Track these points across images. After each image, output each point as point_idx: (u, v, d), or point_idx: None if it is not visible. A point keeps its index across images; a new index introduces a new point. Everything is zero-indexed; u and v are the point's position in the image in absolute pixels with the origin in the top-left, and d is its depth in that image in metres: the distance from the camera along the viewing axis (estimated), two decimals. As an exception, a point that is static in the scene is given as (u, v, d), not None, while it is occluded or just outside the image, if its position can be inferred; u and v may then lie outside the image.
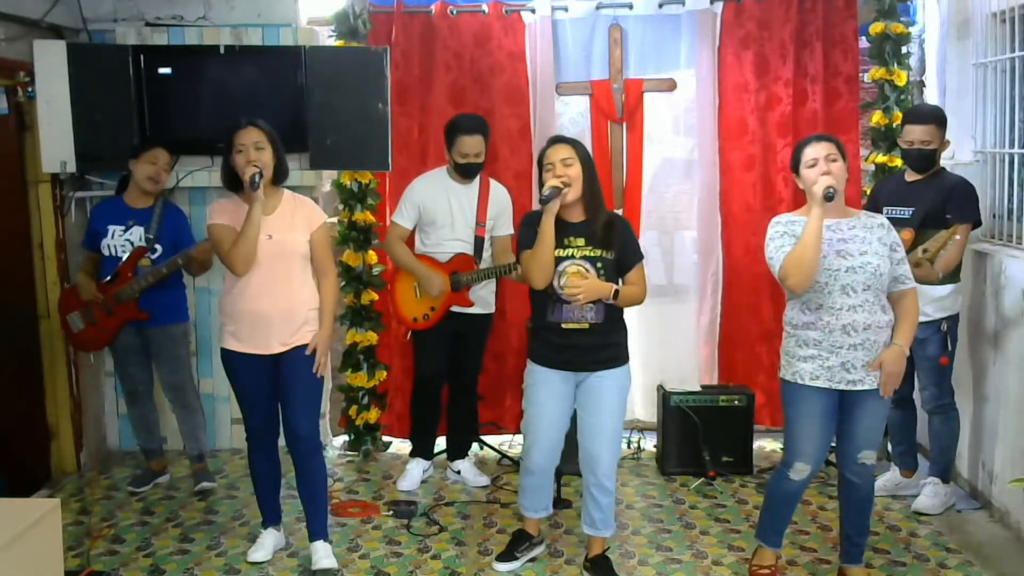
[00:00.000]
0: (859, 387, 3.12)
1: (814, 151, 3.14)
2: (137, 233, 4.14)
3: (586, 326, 3.29)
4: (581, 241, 3.28)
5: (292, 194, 3.50)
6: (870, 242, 3.12)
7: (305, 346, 3.40)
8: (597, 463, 3.37)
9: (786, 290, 3.19)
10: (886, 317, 3.12)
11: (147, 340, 4.25)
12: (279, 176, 3.40)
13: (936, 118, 3.92)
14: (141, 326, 4.19)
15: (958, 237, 3.72)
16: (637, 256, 3.36)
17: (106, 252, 4.16)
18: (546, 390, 3.38)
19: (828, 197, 3.04)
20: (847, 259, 3.09)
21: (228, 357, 3.45)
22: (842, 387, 3.13)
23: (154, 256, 4.14)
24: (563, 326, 3.30)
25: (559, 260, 3.27)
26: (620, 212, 4.86)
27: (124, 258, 4.11)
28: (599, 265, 3.27)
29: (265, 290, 3.33)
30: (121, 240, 4.14)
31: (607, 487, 3.39)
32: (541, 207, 3.25)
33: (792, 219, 3.20)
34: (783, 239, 3.14)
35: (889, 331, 3.13)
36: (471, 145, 4.10)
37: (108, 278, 4.13)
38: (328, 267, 3.48)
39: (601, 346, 3.33)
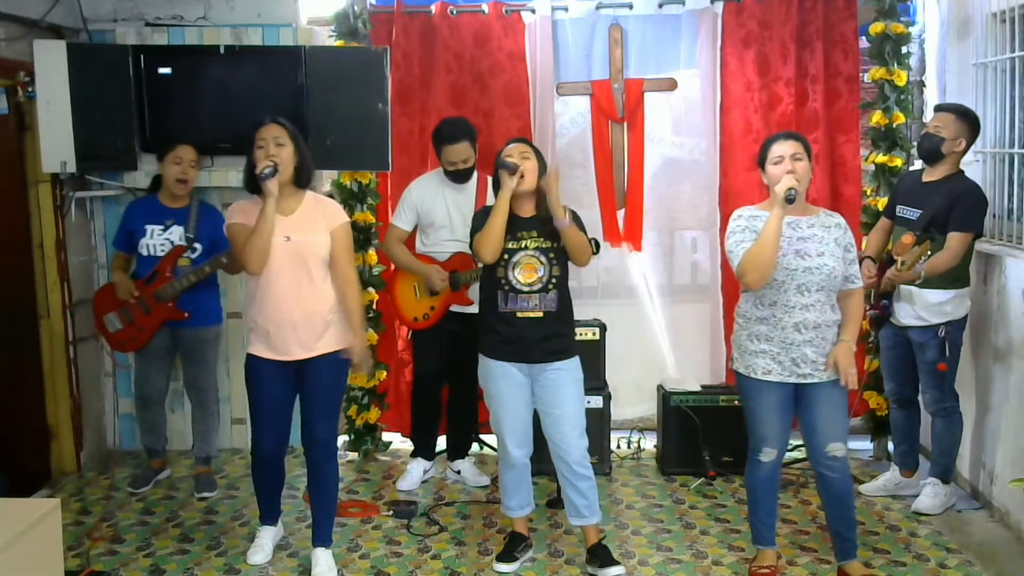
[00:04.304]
0: (809, 380, 3.19)
1: (780, 149, 3.18)
2: (177, 233, 4.14)
3: (540, 315, 3.38)
4: (534, 234, 3.39)
5: (316, 196, 3.45)
6: (827, 242, 3.17)
7: (328, 354, 3.36)
8: (567, 451, 3.41)
9: (743, 286, 3.24)
10: (835, 316, 3.21)
11: (179, 341, 4.24)
12: (301, 177, 3.34)
13: (957, 109, 3.92)
14: (176, 327, 4.18)
15: (929, 254, 3.71)
16: (582, 231, 3.42)
17: (144, 252, 4.15)
18: (505, 382, 3.45)
19: (789, 200, 3.08)
20: (805, 259, 3.14)
21: (252, 363, 3.41)
22: (793, 380, 3.20)
23: (193, 256, 4.13)
24: (518, 315, 3.37)
25: (513, 252, 3.37)
26: (622, 212, 4.88)
27: (163, 257, 4.12)
28: (551, 255, 3.38)
29: (285, 294, 3.29)
30: (161, 239, 4.14)
31: (583, 473, 3.43)
32: (497, 171, 3.37)
33: (754, 213, 3.23)
34: (744, 234, 3.18)
35: (836, 329, 3.21)
36: (456, 153, 4.11)
37: (146, 277, 4.13)
38: (350, 270, 3.40)
39: (552, 336, 3.41)
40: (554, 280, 3.38)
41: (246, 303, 3.44)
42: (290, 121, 3.39)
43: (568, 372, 3.44)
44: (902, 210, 4.01)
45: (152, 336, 4.18)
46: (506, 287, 3.38)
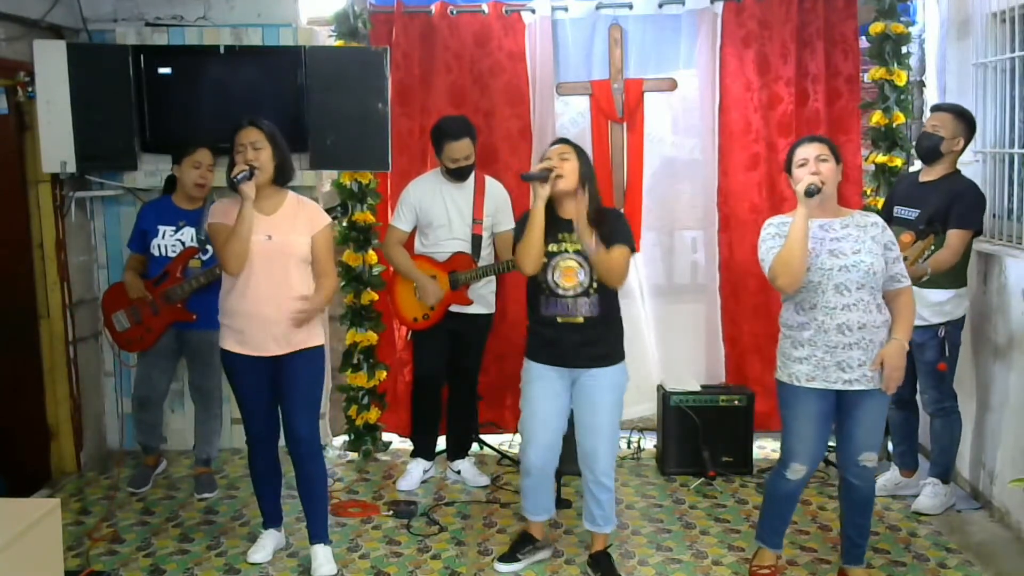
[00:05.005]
0: (855, 387, 3.12)
1: (805, 151, 3.17)
2: (188, 234, 4.14)
3: (580, 320, 3.31)
4: (575, 236, 3.31)
5: (297, 196, 3.48)
6: (863, 241, 3.12)
7: (304, 350, 3.39)
8: (595, 460, 3.38)
9: (778, 290, 3.20)
10: (882, 316, 3.13)
11: (185, 343, 4.24)
12: (282, 176, 3.37)
13: (954, 109, 3.94)
14: (182, 328, 4.18)
15: (932, 248, 3.71)
16: (623, 239, 3.28)
17: (156, 252, 4.15)
18: (541, 386, 3.40)
19: (808, 193, 3.05)
20: (840, 258, 3.09)
21: (227, 358, 3.44)
22: (838, 387, 3.13)
23: (204, 257, 4.13)
24: (558, 319, 3.32)
25: (552, 255, 3.31)
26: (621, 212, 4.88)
27: (174, 258, 4.12)
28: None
29: (263, 291, 3.31)
30: (172, 240, 4.14)
31: (606, 484, 3.41)
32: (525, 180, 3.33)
33: (784, 220, 3.20)
34: (774, 240, 3.15)
35: (885, 330, 3.13)
36: (459, 149, 4.10)
37: (156, 277, 4.13)
38: (328, 270, 3.45)
39: (594, 342, 3.34)
40: (595, 284, 3.30)
41: (221, 297, 3.44)
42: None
43: (607, 380, 3.37)
44: (900, 211, 4.01)
45: (159, 336, 4.18)
46: (547, 291, 3.33)
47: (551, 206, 3.31)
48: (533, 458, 3.45)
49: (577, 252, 3.30)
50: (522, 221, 3.40)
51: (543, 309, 3.35)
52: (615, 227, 3.32)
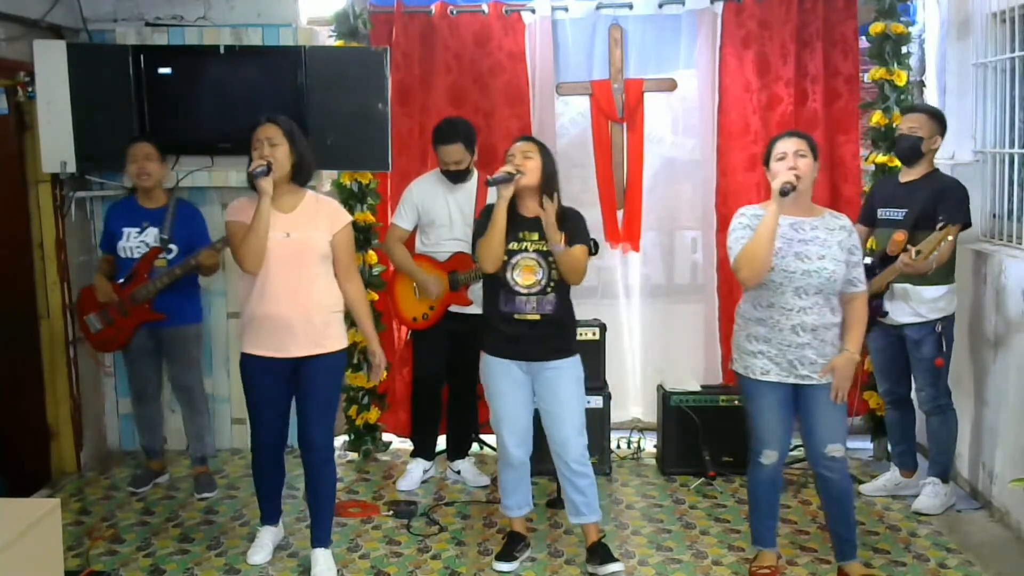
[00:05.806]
0: (808, 382, 3.18)
1: (784, 146, 3.19)
2: (152, 234, 4.13)
3: (537, 317, 3.36)
4: (535, 236, 3.35)
5: (316, 194, 3.47)
6: (830, 245, 3.15)
7: (325, 355, 3.36)
8: (566, 449, 3.41)
9: (739, 282, 3.24)
10: (835, 319, 3.19)
11: (160, 340, 4.23)
12: (299, 174, 3.34)
13: (927, 109, 4.02)
14: (155, 326, 4.18)
15: (950, 238, 3.73)
16: (583, 239, 3.36)
17: (122, 254, 4.15)
18: (504, 380, 3.45)
19: (783, 192, 3.08)
20: (804, 262, 3.13)
21: (247, 362, 3.40)
22: (792, 380, 3.19)
23: (169, 256, 4.12)
24: (515, 316, 3.36)
25: (513, 253, 3.35)
26: (621, 213, 4.89)
27: (139, 259, 4.11)
28: (551, 259, 3.35)
29: (284, 291, 3.28)
30: (136, 242, 4.13)
31: (581, 471, 3.43)
32: (489, 186, 3.34)
33: (756, 212, 3.24)
34: (744, 231, 3.19)
35: (837, 330, 3.19)
36: (449, 153, 4.11)
37: (123, 279, 4.13)
38: (353, 271, 3.45)
39: (551, 336, 3.40)
40: (552, 284, 3.35)
41: (242, 299, 3.41)
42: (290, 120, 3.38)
43: (567, 370, 3.43)
44: (884, 212, 4.04)
45: (131, 336, 4.18)
46: (505, 288, 3.37)
47: (512, 204, 3.34)
48: (513, 451, 3.48)
49: (537, 251, 3.34)
50: (483, 218, 3.44)
51: (500, 305, 3.39)
52: (576, 226, 3.39)
